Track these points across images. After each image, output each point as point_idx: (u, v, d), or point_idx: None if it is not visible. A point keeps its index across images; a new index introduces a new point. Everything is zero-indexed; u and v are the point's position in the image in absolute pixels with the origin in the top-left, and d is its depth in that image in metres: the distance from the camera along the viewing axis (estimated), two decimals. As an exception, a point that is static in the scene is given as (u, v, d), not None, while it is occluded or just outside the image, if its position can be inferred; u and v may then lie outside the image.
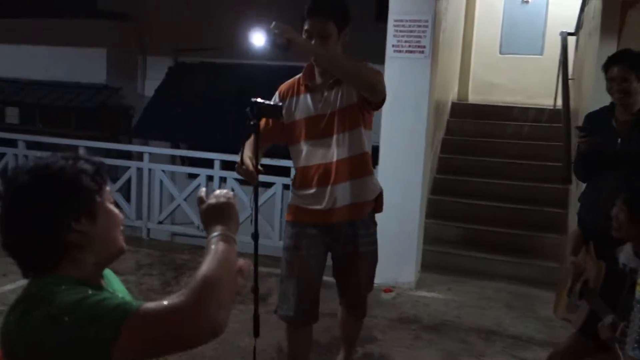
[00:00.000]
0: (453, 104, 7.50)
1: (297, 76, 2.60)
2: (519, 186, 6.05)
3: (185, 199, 5.83)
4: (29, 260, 1.22)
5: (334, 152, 2.46)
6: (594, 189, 2.88)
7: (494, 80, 8.32)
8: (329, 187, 2.47)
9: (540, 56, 8.42)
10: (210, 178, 5.76)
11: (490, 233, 5.59)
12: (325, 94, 2.47)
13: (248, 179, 2.28)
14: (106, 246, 1.27)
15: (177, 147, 8.65)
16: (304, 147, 2.52)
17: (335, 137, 2.45)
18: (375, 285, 4.69)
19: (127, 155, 6.61)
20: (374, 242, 2.68)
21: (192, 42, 8.90)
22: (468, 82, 8.31)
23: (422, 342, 3.76)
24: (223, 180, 5.71)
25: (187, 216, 5.96)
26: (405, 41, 4.72)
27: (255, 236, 2.20)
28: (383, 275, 4.70)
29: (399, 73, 4.62)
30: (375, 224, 2.69)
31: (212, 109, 8.65)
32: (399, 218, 4.62)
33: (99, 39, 9.12)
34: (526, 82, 8.24)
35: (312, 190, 2.51)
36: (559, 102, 6.61)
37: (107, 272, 1.42)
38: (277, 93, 2.61)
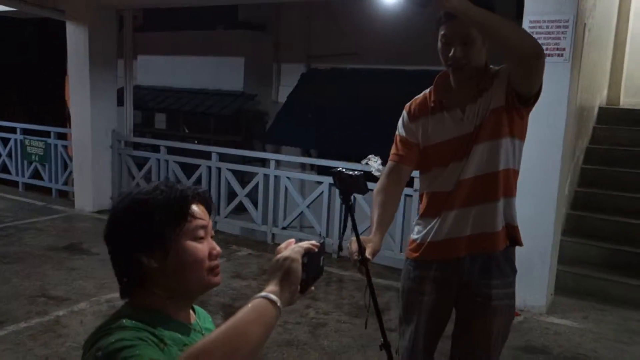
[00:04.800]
0: (601, 109, 6.80)
1: (427, 91, 2.19)
2: (678, 203, 5.31)
3: (308, 206, 5.90)
4: (118, 280, 1.27)
5: (463, 171, 2.05)
6: None
7: (653, 81, 7.42)
8: (450, 213, 2.08)
9: None
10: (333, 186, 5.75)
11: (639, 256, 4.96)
12: (467, 109, 2.04)
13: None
14: (180, 284, 1.22)
15: (307, 152, 8.80)
16: (438, 172, 2.11)
17: (470, 153, 2.03)
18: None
19: (260, 161, 6.82)
20: (511, 296, 2.13)
21: (324, 49, 9.02)
22: (620, 84, 7.48)
23: (549, 377, 3.41)
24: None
25: (311, 223, 6.01)
26: (542, 44, 4.32)
27: (384, 343, 1.96)
28: (509, 297, 4.37)
29: (534, 78, 4.25)
30: (513, 270, 2.15)
31: (342, 115, 8.69)
32: (530, 233, 4.20)
33: (238, 48, 9.60)
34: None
35: (434, 220, 2.13)
36: None
37: (200, 310, 1.40)
38: (404, 112, 2.22)
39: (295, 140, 9.03)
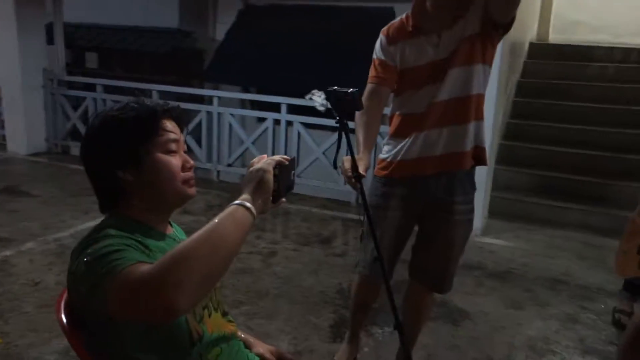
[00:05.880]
0: (531, 45, 7.12)
1: (402, 16, 2.24)
2: (598, 132, 5.74)
3: (253, 142, 5.94)
4: (97, 196, 1.33)
5: (436, 94, 2.14)
6: None
7: (578, 17, 7.78)
8: (421, 134, 2.19)
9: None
10: (277, 122, 5.79)
11: (564, 180, 5.38)
12: (443, 35, 2.11)
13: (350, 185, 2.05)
14: (156, 195, 1.29)
15: (246, 90, 8.72)
16: (411, 95, 2.21)
17: (445, 77, 2.12)
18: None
19: (200, 99, 6.73)
20: (471, 211, 2.30)
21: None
22: (549, 20, 7.82)
23: (484, 289, 3.72)
24: (289, 124, 5.74)
25: (255, 159, 6.06)
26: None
27: (377, 251, 1.99)
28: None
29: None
30: (473, 187, 2.30)
31: (283, 52, 8.60)
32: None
33: (171, -18, 9.22)
34: (613, 19, 7.65)
35: (404, 140, 2.23)
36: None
37: (175, 225, 1.48)
38: (381, 36, 2.26)
39: (235, 78, 8.88)
